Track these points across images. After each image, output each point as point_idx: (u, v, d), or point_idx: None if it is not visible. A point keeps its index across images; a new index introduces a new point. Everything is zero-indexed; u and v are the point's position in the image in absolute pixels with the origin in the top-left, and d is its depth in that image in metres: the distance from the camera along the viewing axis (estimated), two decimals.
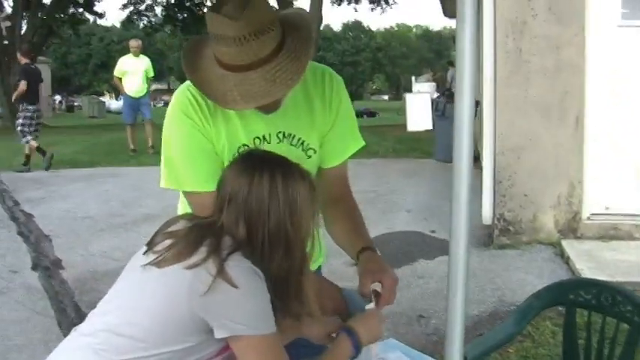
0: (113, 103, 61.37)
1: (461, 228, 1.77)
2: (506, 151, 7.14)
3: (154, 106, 56.48)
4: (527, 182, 7.14)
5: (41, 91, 14.41)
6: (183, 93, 2.35)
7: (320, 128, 2.51)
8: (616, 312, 2.95)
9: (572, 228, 7.12)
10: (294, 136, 2.44)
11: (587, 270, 6.01)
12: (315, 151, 2.51)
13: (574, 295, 3.11)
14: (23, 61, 14.39)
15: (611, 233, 7.04)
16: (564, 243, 6.91)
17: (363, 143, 2.67)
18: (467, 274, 1.79)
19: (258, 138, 2.38)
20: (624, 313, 2.92)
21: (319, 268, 2.83)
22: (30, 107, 13.72)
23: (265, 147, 2.37)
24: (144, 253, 2.09)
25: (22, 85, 13.56)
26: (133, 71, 15.67)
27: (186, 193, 2.43)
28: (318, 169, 2.58)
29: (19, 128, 13.74)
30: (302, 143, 2.46)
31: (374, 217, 7.83)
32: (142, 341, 1.93)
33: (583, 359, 3.10)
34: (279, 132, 2.41)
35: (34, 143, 13.71)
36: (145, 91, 15.87)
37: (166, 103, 19.68)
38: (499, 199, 7.17)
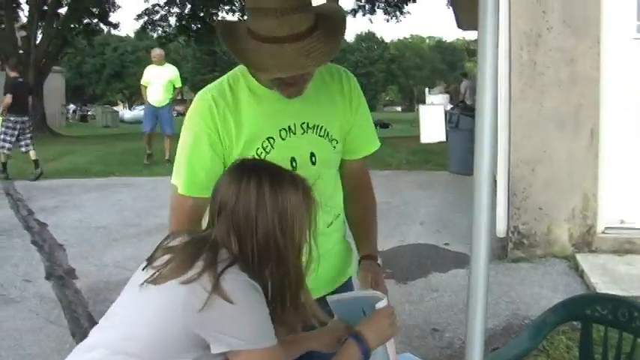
0: (126, 113, 61.60)
1: (481, 242, 1.75)
2: (520, 164, 7.12)
3: None
4: (542, 195, 7.11)
5: (30, 103, 14.58)
6: (204, 99, 2.44)
7: (342, 122, 2.60)
8: (633, 327, 2.93)
9: (586, 241, 7.09)
10: (320, 126, 2.52)
11: (601, 284, 5.98)
12: (337, 142, 2.59)
13: (590, 310, 3.08)
14: (12, 74, 14.63)
15: (625, 247, 7.00)
16: (579, 256, 6.87)
17: (379, 144, 2.80)
18: (486, 288, 1.77)
19: (284, 129, 2.45)
20: None
21: (350, 279, 2.84)
22: (11, 118, 13.84)
23: (291, 138, 2.45)
24: (143, 269, 2.06)
25: (8, 99, 13.76)
26: (155, 80, 15.37)
27: (172, 187, 2.54)
28: (340, 162, 2.70)
29: (0, 137, 13.89)
30: (327, 134, 2.54)
31: (387, 229, 7.81)
32: (139, 357, 1.91)
33: None
34: (303, 122, 2.48)
35: (32, 153, 13.87)
36: (166, 101, 15.44)
37: (180, 114, 19.67)
38: (513, 211, 7.15)
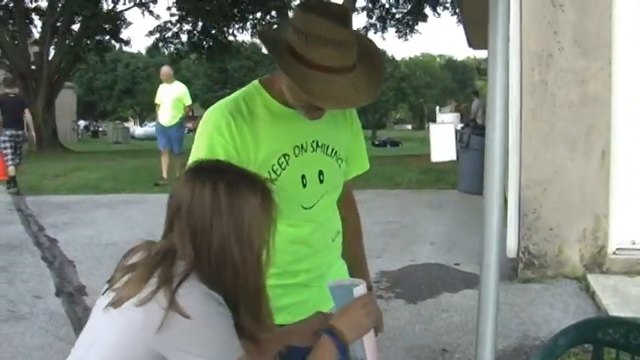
0: (137, 129, 61.82)
1: (491, 262, 1.75)
2: (531, 184, 7.11)
3: None
4: (553, 215, 7.10)
5: (26, 117, 14.55)
6: (220, 110, 2.45)
7: (347, 142, 2.66)
8: None
9: (597, 262, 7.06)
10: (327, 145, 2.56)
11: (612, 305, 5.95)
12: (342, 162, 2.64)
13: (602, 333, 3.06)
14: (6, 90, 14.70)
15: (637, 268, 6.97)
16: (590, 277, 6.84)
17: (368, 166, 2.86)
18: (496, 309, 1.76)
19: (297, 146, 2.47)
20: None
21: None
22: (7, 133, 13.97)
23: (303, 156, 2.48)
24: (103, 293, 1.97)
25: None
26: (164, 99, 15.08)
27: None
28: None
29: (3, 152, 13.99)
30: (335, 153, 2.58)
31: (397, 248, 7.79)
32: None
33: None
34: (314, 141, 2.51)
35: (12, 169, 13.92)
36: (173, 121, 15.04)
37: (190, 131, 19.68)
38: (524, 232, 7.13)
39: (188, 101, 15.28)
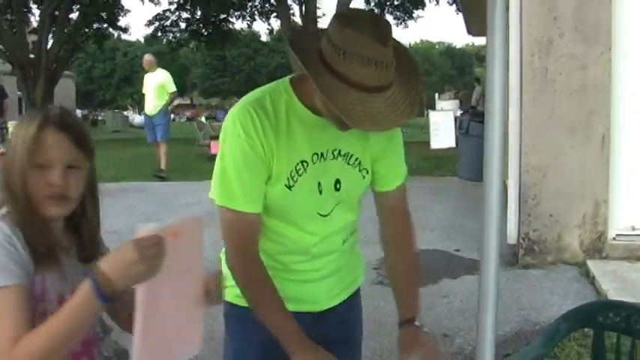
0: (136, 118, 61.67)
1: (491, 248, 1.76)
2: (531, 170, 7.12)
3: (177, 120, 56.63)
4: (553, 201, 7.11)
5: (5, 106, 14.53)
6: (246, 110, 2.33)
7: (374, 151, 2.53)
8: None
9: (597, 248, 7.08)
10: (350, 155, 2.46)
11: (612, 290, 5.97)
12: (367, 172, 2.53)
13: (602, 317, 3.08)
14: None
15: (637, 254, 7.00)
16: (590, 263, 6.86)
17: (405, 177, 2.68)
18: (497, 294, 1.77)
19: (317, 154, 2.39)
20: None
21: (359, 288, 2.83)
22: None
23: (321, 163, 2.40)
24: None
25: None
26: (147, 87, 14.84)
27: (223, 209, 2.39)
28: (375, 194, 2.63)
29: None
30: (359, 163, 2.49)
31: None
32: None
33: None
34: (335, 149, 2.42)
35: None
36: (156, 109, 14.65)
37: (189, 119, 19.49)
38: (524, 218, 7.15)
39: (171, 88, 14.78)
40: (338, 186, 2.46)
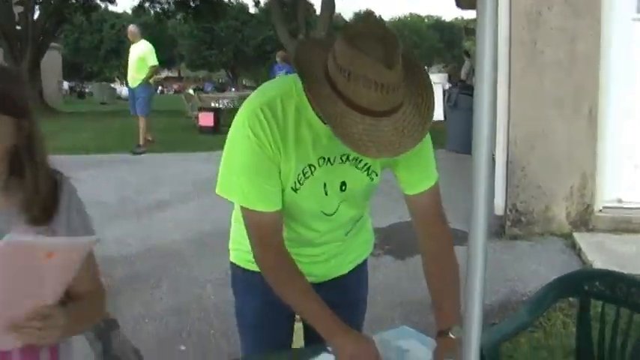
0: (124, 90, 61.36)
1: (479, 219, 1.77)
2: (519, 142, 7.14)
3: (165, 93, 56.35)
4: (540, 173, 7.15)
5: None
6: (255, 113, 2.26)
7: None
8: (630, 303, 2.96)
9: (584, 220, 7.13)
10: (359, 159, 2.39)
11: (599, 262, 6.02)
12: (377, 175, 2.47)
13: (588, 285, 3.12)
14: None
15: (623, 226, 7.05)
16: (576, 235, 6.92)
17: (434, 180, 2.57)
18: (485, 265, 1.79)
19: (323, 158, 2.35)
20: (639, 304, 2.93)
21: (365, 262, 2.87)
22: None
23: (328, 166, 2.36)
24: None
25: None
26: (130, 59, 14.45)
27: (243, 209, 2.37)
28: (405, 197, 2.53)
29: None
30: (368, 168, 2.43)
31: (387, 206, 7.78)
32: None
33: (596, 350, 3.12)
34: (344, 155, 2.36)
35: None
36: (136, 82, 14.30)
37: (177, 91, 19.30)
38: (512, 189, 7.18)
39: (152, 61, 14.32)
40: (344, 187, 2.44)
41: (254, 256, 2.42)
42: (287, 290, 2.39)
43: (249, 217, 2.35)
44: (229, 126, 2.37)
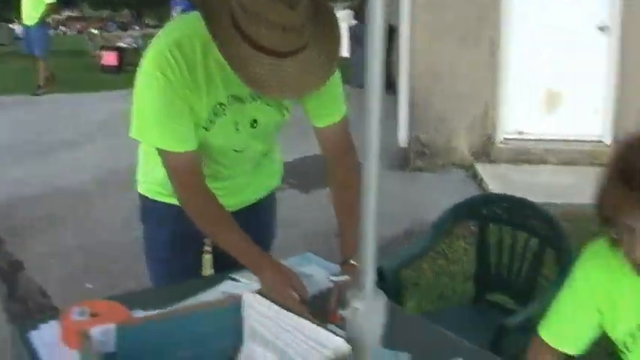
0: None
1: (371, 149, 1.80)
2: (422, 76, 7.21)
3: (67, 33, 54.89)
4: (443, 105, 7.24)
5: None
6: (162, 54, 2.22)
7: None
8: (526, 226, 3.06)
9: (485, 151, 7.28)
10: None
11: (498, 191, 6.16)
12: (288, 110, 2.48)
13: (487, 209, 3.21)
14: None
15: (522, 157, 7.22)
16: (478, 166, 7.07)
17: (343, 113, 2.55)
18: (377, 192, 1.83)
19: (234, 96, 2.33)
20: (534, 226, 3.04)
21: (273, 193, 2.88)
22: None
23: (239, 105, 2.34)
24: None
25: None
26: None
27: (160, 152, 2.33)
28: (314, 130, 2.53)
29: None
30: (279, 104, 2.43)
31: (290, 141, 7.82)
32: None
33: (494, 273, 3.22)
34: (255, 92, 2.32)
35: None
36: (34, 20, 13.43)
37: (79, 31, 18.81)
38: (415, 122, 7.27)
39: None
40: (255, 124, 2.43)
41: (178, 199, 2.41)
42: (213, 227, 2.41)
43: (167, 159, 2.33)
44: (133, 65, 2.32)
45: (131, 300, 2.23)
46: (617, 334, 1.87)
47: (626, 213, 1.61)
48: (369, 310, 1.71)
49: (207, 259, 2.83)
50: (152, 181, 2.58)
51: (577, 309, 1.93)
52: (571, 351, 1.95)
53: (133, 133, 2.35)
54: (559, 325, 1.97)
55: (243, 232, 2.36)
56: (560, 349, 1.97)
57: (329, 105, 2.51)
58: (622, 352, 1.88)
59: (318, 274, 2.53)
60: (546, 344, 1.98)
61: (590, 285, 1.88)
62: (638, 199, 1.58)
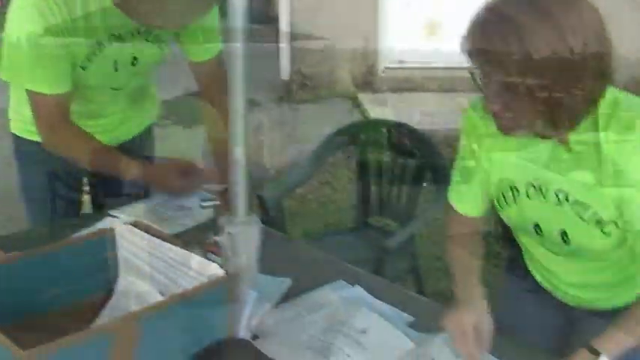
0: None
1: (237, 81, 1.79)
2: (303, 7, 7.13)
3: None
4: (324, 36, 7.19)
5: None
6: None
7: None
8: (405, 149, 3.10)
9: (367, 81, 7.29)
10: (150, 32, 2.35)
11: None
12: (166, 44, 2.46)
13: (365, 135, 3.23)
14: None
15: (404, 85, 7.26)
16: (360, 95, 7.08)
17: (220, 48, 2.54)
18: (244, 122, 1.81)
19: (113, 35, 2.27)
20: (412, 150, 3.08)
21: (151, 127, 2.87)
22: None
23: (118, 43, 2.29)
24: None
25: None
26: None
27: (29, 93, 2.28)
28: (190, 64, 2.56)
29: None
30: (158, 39, 2.40)
31: (172, 78, 7.70)
32: None
33: (375, 196, 3.26)
34: (134, 28, 2.30)
35: None
36: None
37: None
38: (296, 54, 7.21)
39: None
40: (135, 62, 2.40)
41: (41, 139, 2.38)
42: (77, 154, 2.41)
43: (36, 100, 2.29)
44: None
45: (7, 243, 2.17)
46: (492, 190, 1.87)
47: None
48: (242, 234, 1.72)
49: (86, 199, 2.80)
50: (23, 119, 2.51)
51: (466, 168, 1.92)
52: (473, 213, 1.95)
53: (3, 75, 2.32)
54: (458, 187, 1.97)
55: (111, 146, 2.45)
56: (462, 212, 1.97)
57: (205, 39, 2.50)
58: (497, 209, 1.90)
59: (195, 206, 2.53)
60: (454, 210, 1.98)
61: (470, 140, 1.88)
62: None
